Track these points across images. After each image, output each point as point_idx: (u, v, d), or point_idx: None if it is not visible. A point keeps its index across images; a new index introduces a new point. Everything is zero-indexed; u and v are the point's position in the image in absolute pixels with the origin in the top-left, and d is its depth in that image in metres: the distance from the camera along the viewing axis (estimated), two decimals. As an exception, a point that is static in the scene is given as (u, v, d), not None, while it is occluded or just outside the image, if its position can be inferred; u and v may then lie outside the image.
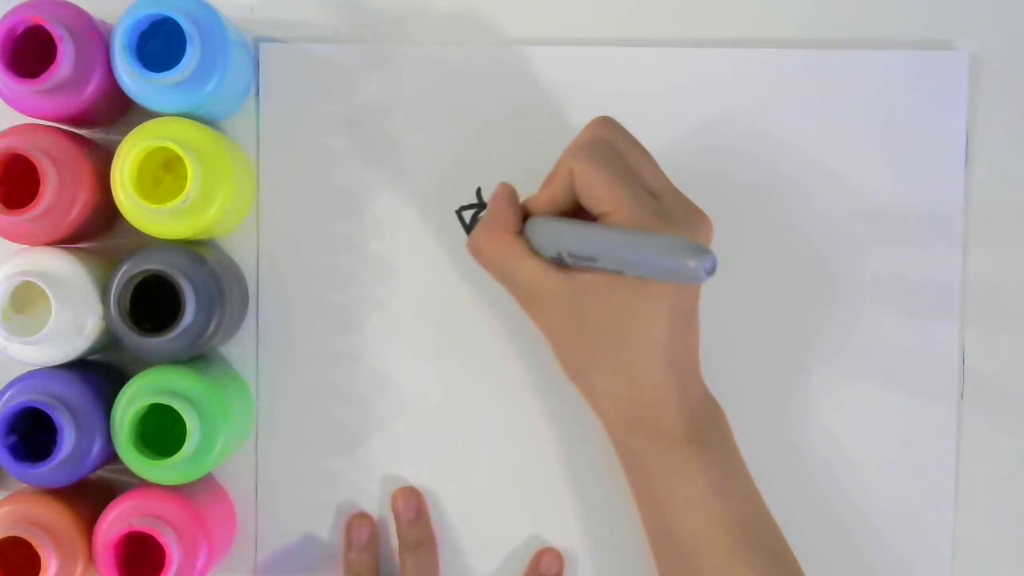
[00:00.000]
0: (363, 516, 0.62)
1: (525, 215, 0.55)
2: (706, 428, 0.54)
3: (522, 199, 0.56)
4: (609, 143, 0.53)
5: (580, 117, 0.61)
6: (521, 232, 0.54)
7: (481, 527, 0.63)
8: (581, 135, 0.54)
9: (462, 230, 0.62)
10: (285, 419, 0.63)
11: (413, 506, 0.62)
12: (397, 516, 0.62)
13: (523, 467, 0.62)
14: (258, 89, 0.62)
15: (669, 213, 0.52)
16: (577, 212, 0.53)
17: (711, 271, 0.45)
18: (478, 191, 0.61)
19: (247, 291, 0.62)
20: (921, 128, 0.62)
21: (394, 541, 0.63)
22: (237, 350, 0.62)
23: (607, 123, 0.54)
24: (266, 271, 0.62)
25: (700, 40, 0.62)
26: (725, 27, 0.62)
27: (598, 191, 0.51)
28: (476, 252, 0.55)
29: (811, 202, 0.62)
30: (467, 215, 0.61)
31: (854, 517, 0.62)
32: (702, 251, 0.45)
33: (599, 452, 0.61)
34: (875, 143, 0.62)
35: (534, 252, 0.53)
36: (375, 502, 0.63)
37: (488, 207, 0.56)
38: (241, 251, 0.62)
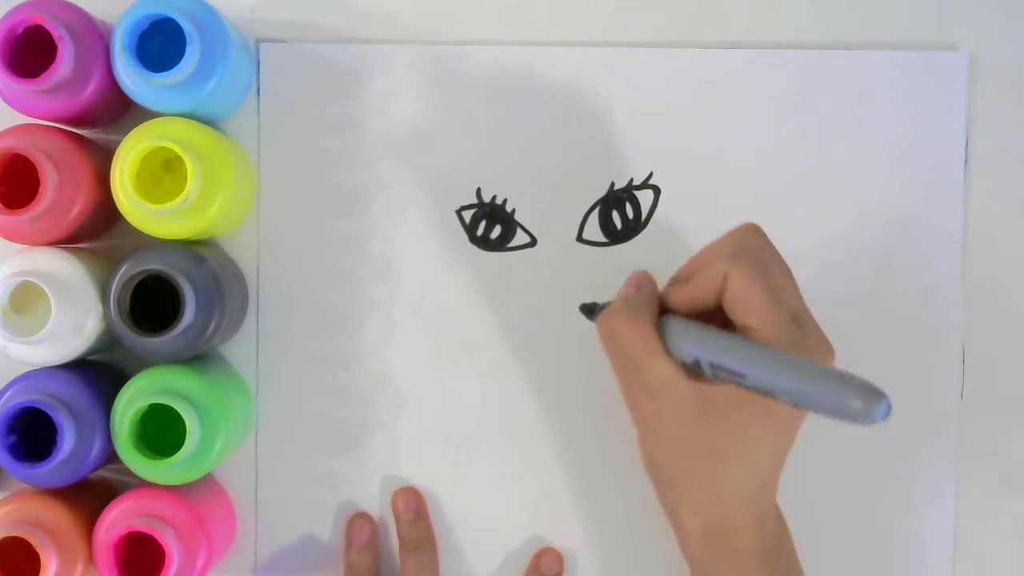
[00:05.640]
0: (363, 516, 0.62)
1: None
2: (777, 546, 0.53)
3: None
4: (758, 254, 0.51)
5: (581, 118, 0.62)
6: (658, 325, 0.52)
7: (481, 527, 0.63)
8: (731, 238, 0.52)
9: (462, 230, 0.62)
10: (285, 419, 0.63)
11: (413, 506, 0.62)
12: (397, 516, 0.62)
13: (523, 467, 0.62)
14: (258, 89, 0.62)
15: (810, 346, 0.50)
16: (711, 314, 0.52)
17: (886, 416, 0.43)
18: (478, 191, 0.61)
19: (247, 291, 0.62)
20: (921, 128, 0.62)
21: (394, 541, 0.63)
22: (237, 350, 0.62)
23: (756, 232, 0.52)
24: (266, 271, 0.62)
25: (699, 42, 0.62)
26: (723, 29, 0.62)
27: (753, 305, 0.50)
28: (609, 334, 0.53)
29: (809, 202, 0.62)
30: (467, 215, 0.61)
31: (854, 517, 0.62)
32: (878, 394, 0.43)
33: (599, 452, 0.61)
34: (875, 143, 0.62)
35: (668, 351, 0.51)
36: (375, 502, 0.63)
37: (626, 290, 0.54)
38: (241, 251, 0.62)
